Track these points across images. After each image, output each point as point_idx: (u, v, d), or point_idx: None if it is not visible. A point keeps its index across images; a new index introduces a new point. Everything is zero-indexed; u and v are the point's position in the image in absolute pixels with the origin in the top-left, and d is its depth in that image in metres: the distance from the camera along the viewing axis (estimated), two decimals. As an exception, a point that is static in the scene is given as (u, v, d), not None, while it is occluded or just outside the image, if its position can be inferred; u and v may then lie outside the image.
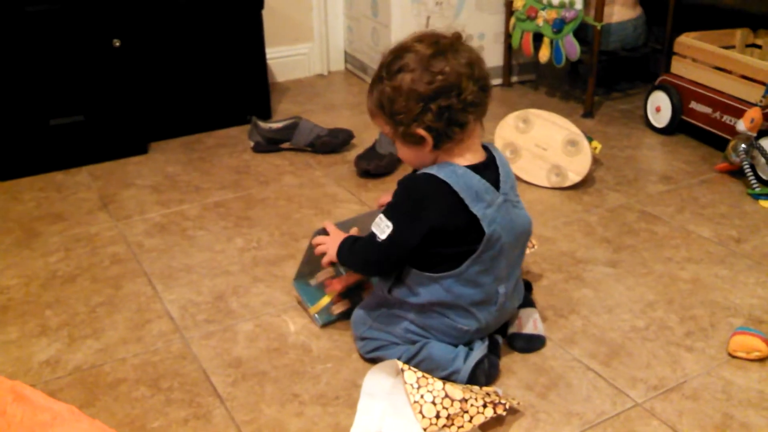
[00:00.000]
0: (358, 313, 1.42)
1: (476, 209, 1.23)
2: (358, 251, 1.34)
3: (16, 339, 1.47)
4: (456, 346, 1.33)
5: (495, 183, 1.28)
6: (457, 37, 1.26)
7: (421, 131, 1.23)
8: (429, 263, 1.28)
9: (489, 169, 1.29)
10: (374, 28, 2.78)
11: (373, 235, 1.28)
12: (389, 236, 1.25)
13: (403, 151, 1.31)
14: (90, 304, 1.58)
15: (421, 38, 1.25)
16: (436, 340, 1.33)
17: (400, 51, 1.25)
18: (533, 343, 1.43)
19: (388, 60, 1.26)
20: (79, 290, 1.62)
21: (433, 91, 1.21)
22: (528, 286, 1.53)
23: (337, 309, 1.48)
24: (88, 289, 1.63)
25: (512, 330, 1.43)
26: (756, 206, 1.97)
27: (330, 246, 1.40)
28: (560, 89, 2.88)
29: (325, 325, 1.49)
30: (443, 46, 1.23)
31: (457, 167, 1.25)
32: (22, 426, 1.00)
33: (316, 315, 1.49)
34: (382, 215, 1.28)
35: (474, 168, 1.26)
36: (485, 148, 1.32)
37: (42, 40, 2.06)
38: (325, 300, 1.48)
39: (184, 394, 1.32)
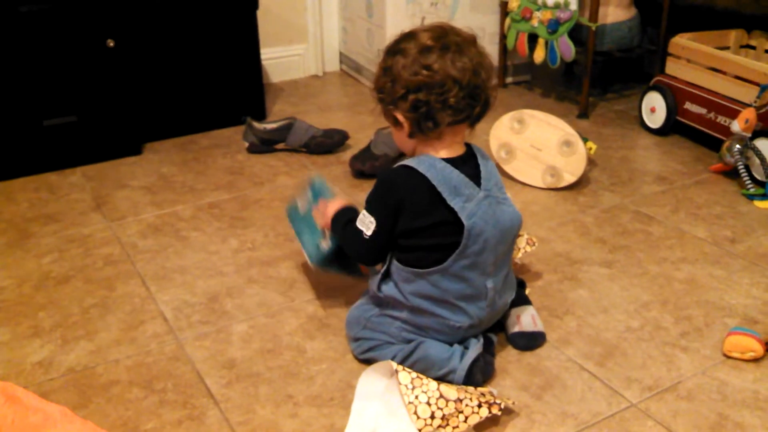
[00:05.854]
0: (352, 313, 1.42)
1: (454, 203, 1.25)
2: (348, 239, 1.38)
3: (8, 340, 1.46)
4: (451, 344, 1.33)
5: (475, 179, 1.29)
6: (470, 39, 1.27)
7: (398, 115, 1.27)
8: (414, 258, 1.29)
9: (467, 164, 1.31)
10: (369, 29, 2.78)
11: (360, 232, 1.31)
12: (375, 231, 1.29)
13: (392, 130, 1.35)
14: (83, 305, 1.57)
15: (431, 28, 1.27)
16: (431, 338, 1.33)
17: (407, 34, 1.29)
18: (536, 340, 1.43)
19: (395, 39, 1.30)
20: (73, 291, 1.62)
21: (415, 83, 1.23)
22: (521, 284, 1.52)
23: (324, 244, 1.49)
24: (82, 290, 1.62)
25: (513, 329, 1.43)
26: (750, 207, 1.97)
27: (327, 212, 1.45)
28: (555, 90, 2.88)
29: (318, 266, 1.51)
30: (447, 42, 1.24)
31: (436, 160, 1.27)
32: (13, 427, 0.99)
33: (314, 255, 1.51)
34: (365, 211, 1.32)
35: (452, 161, 1.28)
36: (467, 145, 1.34)
37: (35, 40, 2.05)
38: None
39: (177, 396, 1.31)
